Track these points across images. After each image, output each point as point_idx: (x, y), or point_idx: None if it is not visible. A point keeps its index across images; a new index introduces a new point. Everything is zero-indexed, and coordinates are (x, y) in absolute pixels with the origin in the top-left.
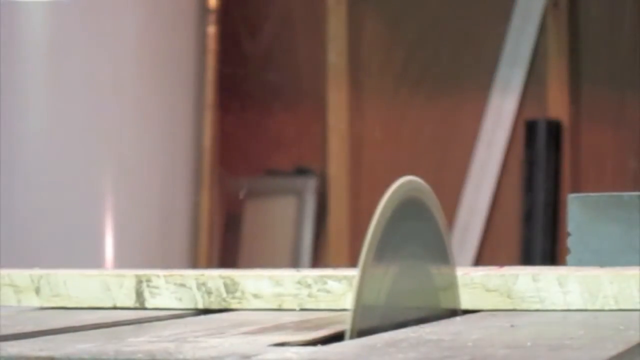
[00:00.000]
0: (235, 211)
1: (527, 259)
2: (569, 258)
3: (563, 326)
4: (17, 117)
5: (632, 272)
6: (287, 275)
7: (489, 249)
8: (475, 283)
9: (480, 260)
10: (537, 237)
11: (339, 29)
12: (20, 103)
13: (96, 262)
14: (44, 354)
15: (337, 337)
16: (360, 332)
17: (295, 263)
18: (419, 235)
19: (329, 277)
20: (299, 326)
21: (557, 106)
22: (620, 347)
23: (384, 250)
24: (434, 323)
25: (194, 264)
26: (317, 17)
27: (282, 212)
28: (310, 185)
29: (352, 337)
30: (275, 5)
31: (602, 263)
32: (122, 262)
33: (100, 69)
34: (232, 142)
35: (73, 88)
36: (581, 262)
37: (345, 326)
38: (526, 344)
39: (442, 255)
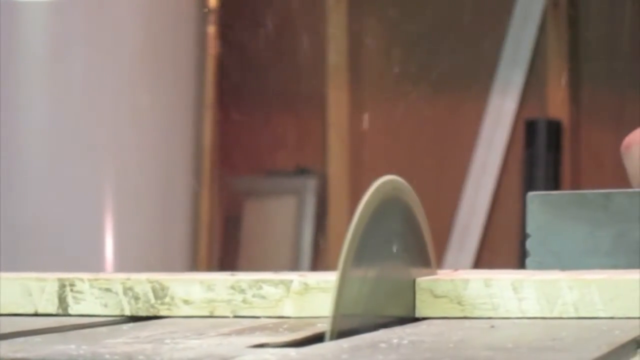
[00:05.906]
0: (235, 211)
1: None
2: (528, 261)
3: (545, 327)
4: (17, 117)
5: (593, 276)
6: (220, 279)
7: (489, 249)
8: (422, 288)
9: (480, 260)
10: None
11: (339, 29)
12: (20, 103)
13: (96, 262)
14: (19, 355)
15: (317, 339)
16: (341, 334)
17: (295, 263)
18: (400, 235)
19: (265, 281)
20: (277, 327)
21: (557, 106)
22: (604, 349)
23: (364, 250)
24: (415, 324)
25: (194, 264)
26: (317, 17)
27: (282, 212)
28: (310, 185)
29: (332, 339)
30: (275, 5)
31: (563, 266)
32: (122, 262)
33: (100, 69)
34: (232, 142)
35: (73, 88)
36: (541, 266)
37: (325, 327)
38: (508, 346)
39: (423, 255)
